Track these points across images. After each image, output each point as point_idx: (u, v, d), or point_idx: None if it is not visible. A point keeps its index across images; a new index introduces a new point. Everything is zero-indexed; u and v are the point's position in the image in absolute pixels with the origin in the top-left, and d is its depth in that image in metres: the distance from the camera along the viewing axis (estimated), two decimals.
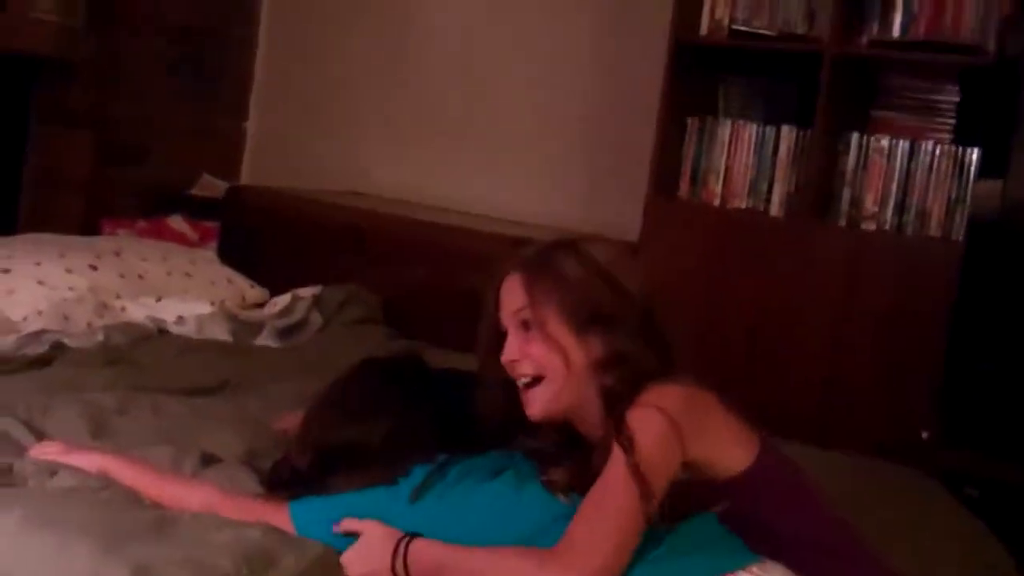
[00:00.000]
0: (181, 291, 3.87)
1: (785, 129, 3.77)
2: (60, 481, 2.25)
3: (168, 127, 5.13)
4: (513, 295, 2.14)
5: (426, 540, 2.00)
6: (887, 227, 3.58)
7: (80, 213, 4.78)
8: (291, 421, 2.68)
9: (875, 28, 3.63)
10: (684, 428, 1.98)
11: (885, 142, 3.61)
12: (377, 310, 4.06)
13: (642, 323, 2.10)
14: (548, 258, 2.15)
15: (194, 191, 5.13)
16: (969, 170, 3.46)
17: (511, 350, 2.12)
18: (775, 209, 3.77)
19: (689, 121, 3.93)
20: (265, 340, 3.69)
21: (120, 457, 2.35)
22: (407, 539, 2.00)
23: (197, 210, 4.91)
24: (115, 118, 4.92)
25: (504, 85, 4.77)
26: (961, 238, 3.41)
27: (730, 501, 2.03)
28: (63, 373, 3.02)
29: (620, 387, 2.04)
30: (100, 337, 3.35)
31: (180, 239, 4.63)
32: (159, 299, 3.74)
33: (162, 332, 3.52)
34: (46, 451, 2.36)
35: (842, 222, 3.65)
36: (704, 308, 3.74)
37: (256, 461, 2.50)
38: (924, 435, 3.19)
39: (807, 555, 2.03)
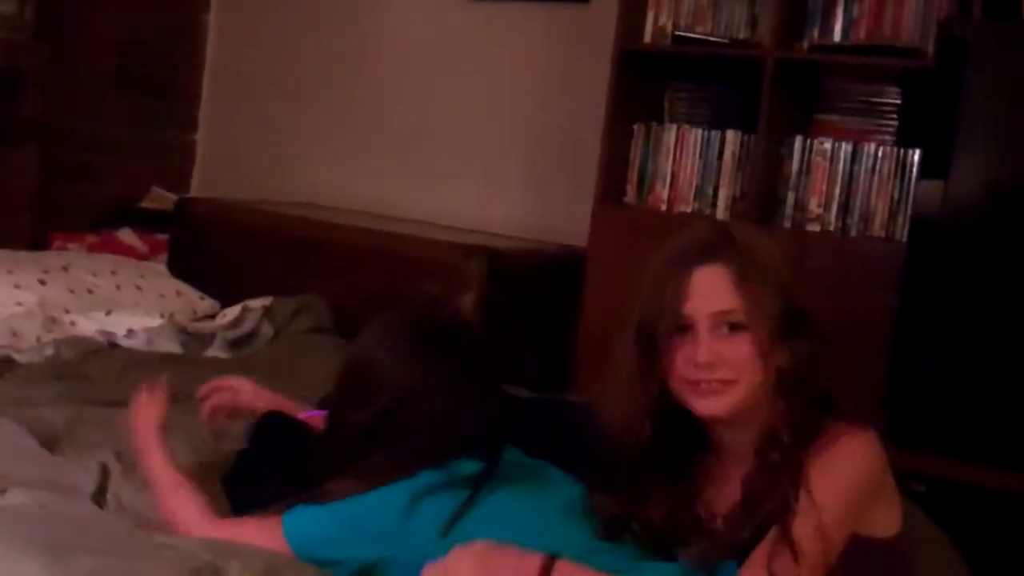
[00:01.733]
0: (131, 304, 3.87)
1: (730, 134, 3.81)
2: (10, 499, 2.24)
3: (117, 141, 5.13)
4: (717, 293, 1.94)
5: (572, 564, 1.83)
6: (831, 228, 3.62)
7: (29, 228, 4.76)
8: (224, 396, 2.62)
9: (816, 33, 3.68)
10: (875, 486, 1.91)
11: (828, 145, 3.65)
12: (328, 320, 4.06)
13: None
14: (752, 249, 1.98)
15: (144, 204, 5.12)
16: (911, 171, 3.51)
17: (708, 352, 1.92)
18: (721, 213, 3.81)
19: (635, 127, 3.96)
20: (216, 351, 3.69)
21: (157, 453, 2.28)
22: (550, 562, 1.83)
23: (147, 223, 4.90)
24: (63, 133, 4.91)
25: (452, 96, 4.78)
26: (904, 238, 3.45)
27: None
28: (12, 388, 3.01)
29: (805, 411, 1.92)
30: (49, 351, 3.34)
31: (130, 252, 4.62)
32: (109, 312, 3.74)
33: (112, 345, 3.52)
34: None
35: (787, 224, 3.69)
36: None
37: (208, 471, 2.50)
38: None
39: None
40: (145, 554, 1.98)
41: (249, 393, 2.59)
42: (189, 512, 2.16)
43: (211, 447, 2.67)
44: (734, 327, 1.93)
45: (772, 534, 1.86)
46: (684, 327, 1.95)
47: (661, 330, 1.95)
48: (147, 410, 2.35)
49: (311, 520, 2.06)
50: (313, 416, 2.49)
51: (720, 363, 1.93)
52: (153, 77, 5.27)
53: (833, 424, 1.92)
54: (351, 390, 2.16)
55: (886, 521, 1.96)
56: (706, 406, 1.96)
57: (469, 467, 2.03)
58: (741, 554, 1.90)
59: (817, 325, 1.98)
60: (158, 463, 2.26)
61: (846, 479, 1.88)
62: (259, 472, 2.44)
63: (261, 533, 2.07)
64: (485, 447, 2.07)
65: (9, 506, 2.21)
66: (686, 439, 2.04)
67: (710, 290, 1.94)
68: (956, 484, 3.10)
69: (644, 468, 2.02)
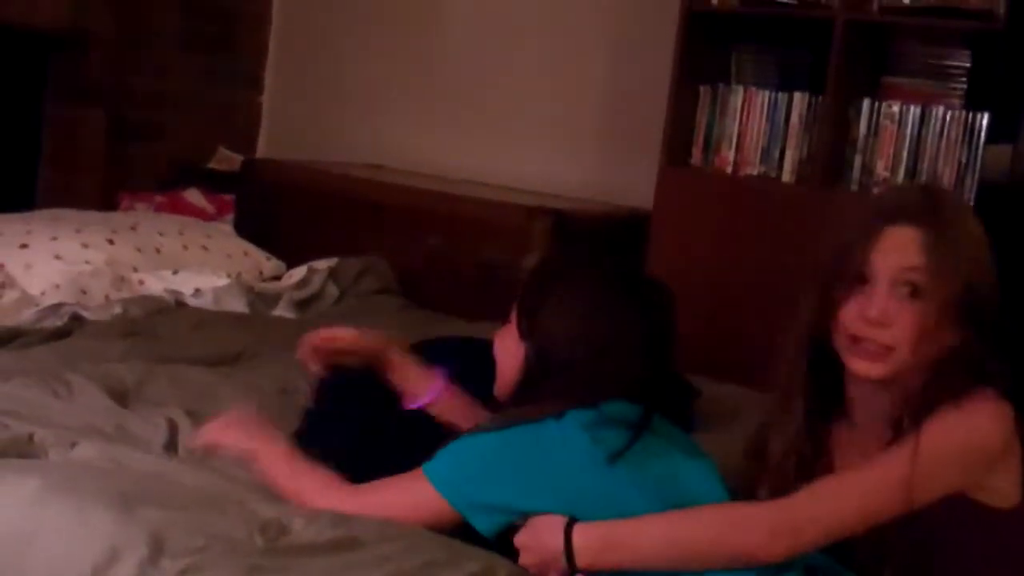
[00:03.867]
0: (198, 264, 3.90)
1: (797, 96, 3.77)
2: (80, 452, 2.28)
3: (184, 101, 5.16)
4: (906, 251, 1.93)
5: (587, 523, 1.89)
6: None
7: (97, 189, 4.81)
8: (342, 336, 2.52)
9: None
10: (995, 459, 1.90)
11: (896, 108, 3.61)
12: (393, 281, 4.09)
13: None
14: (953, 222, 1.96)
15: (211, 165, 5.16)
16: (979, 135, 3.46)
17: (882, 310, 1.92)
18: (787, 175, 3.78)
19: (702, 89, 3.94)
20: (282, 312, 3.72)
21: (271, 444, 2.17)
22: (569, 523, 1.89)
23: (214, 184, 4.94)
24: (130, 93, 4.94)
25: (520, 57, 4.78)
26: (971, 203, 3.41)
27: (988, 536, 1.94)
28: (81, 345, 3.04)
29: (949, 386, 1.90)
30: (118, 310, 3.37)
31: (197, 213, 4.66)
32: (176, 272, 3.78)
33: (179, 304, 3.56)
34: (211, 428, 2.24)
35: (854, 188, 3.66)
36: (716, 275, 3.76)
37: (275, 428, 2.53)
38: None
39: None
40: (214, 508, 2.00)
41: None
42: (316, 487, 2.08)
43: (279, 404, 2.69)
44: (913, 292, 1.92)
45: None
46: (863, 280, 1.95)
47: (841, 277, 1.97)
48: (238, 428, 2.23)
49: (460, 457, 1.99)
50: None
51: (889, 324, 1.93)
52: (218, 36, 5.29)
53: (969, 394, 1.90)
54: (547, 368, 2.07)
55: (1003, 492, 1.94)
56: (861, 367, 1.96)
57: (621, 409, 2.01)
58: None
59: (996, 318, 1.97)
60: (270, 452, 2.16)
61: (957, 434, 1.87)
62: (330, 429, 2.47)
63: (403, 493, 2.00)
64: (648, 392, 2.05)
65: (80, 459, 2.25)
66: (827, 395, 2.06)
67: (899, 247, 1.94)
68: None
69: (785, 406, 2.06)
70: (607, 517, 1.90)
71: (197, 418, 2.52)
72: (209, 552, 1.85)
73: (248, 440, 2.17)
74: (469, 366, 2.44)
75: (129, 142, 4.97)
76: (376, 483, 2.07)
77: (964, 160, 3.49)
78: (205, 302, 3.62)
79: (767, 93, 3.83)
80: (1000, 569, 1.96)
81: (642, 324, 2.06)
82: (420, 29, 5.03)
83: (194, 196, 4.80)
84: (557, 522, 1.90)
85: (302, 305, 3.78)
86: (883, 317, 1.92)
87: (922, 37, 3.67)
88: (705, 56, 3.92)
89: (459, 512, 1.97)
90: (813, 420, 2.06)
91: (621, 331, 2.05)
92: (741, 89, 3.87)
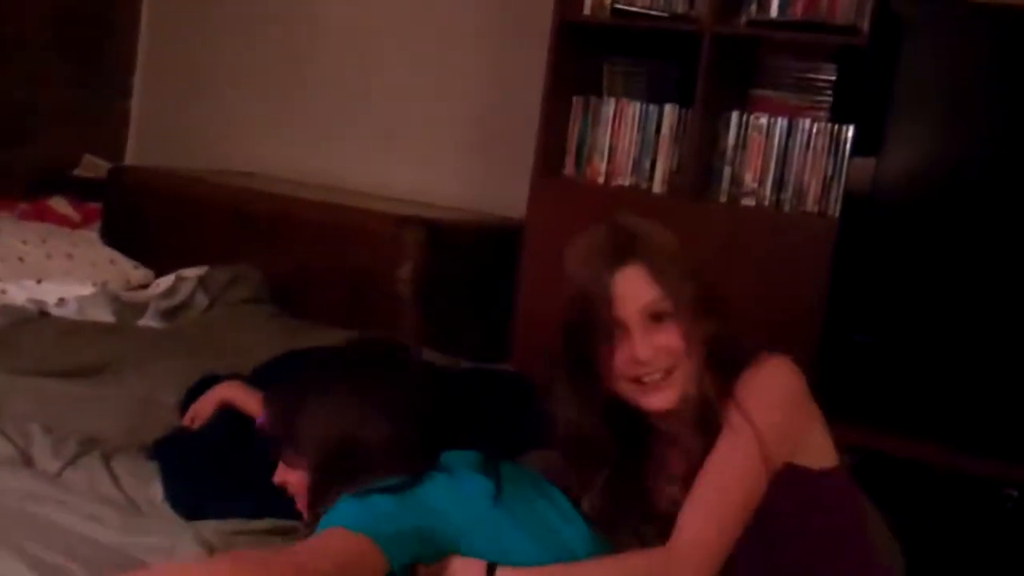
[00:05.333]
0: (62, 273, 3.82)
1: (667, 108, 3.81)
2: None
3: (51, 107, 5.06)
4: (639, 290, 1.98)
5: (508, 567, 1.86)
6: (766, 204, 3.64)
7: None
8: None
9: (753, 8, 3.69)
10: (802, 400, 2.00)
11: (764, 120, 3.66)
12: (263, 290, 4.04)
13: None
14: (656, 243, 2.02)
15: (77, 172, 5.07)
16: (844, 147, 3.53)
17: (646, 347, 1.97)
18: (658, 186, 3.82)
19: (574, 100, 3.96)
20: (149, 321, 3.66)
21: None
22: (490, 568, 1.85)
23: (81, 191, 4.85)
24: None
25: (391, 65, 4.76)
26: (837, 214, 3.47)
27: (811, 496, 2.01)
28: None
29: (730, 360, 2.00)
30: None
31: (62, 221, 4.57)
32: (40, 281, 3.70)
33: (43, 314, 3.49)
34: None
35: (722, 199, 3.70)
36: None
37: (138, 439, 2.50)
38: None
39: None
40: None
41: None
42: None
43: (139, 415, 2.66)
44: (659, 318, 1.98)
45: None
46: (615, 331, 1.98)
47: (592, 340, 1.98)
48: None
49: (360, 507, 1.84)
50: None
51: (658, 353, 1.97)
52: (88, 42, 5.19)
53: (754, 359, 2.00)
54: (338, 466, 1.98)
55: (820, 451, 2.02)
56: (655, 401, 2.00)
57: (460, 456, 2.01)
58: None
59: (727, 300, 2.07)
60: None
61: (771, 384, 1.97)
62: (191, 445, 2.45)
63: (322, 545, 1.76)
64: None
65: None
66: (637, 432, 2.08)
67: (632, 289, 1.98)
68: (888, 457, 3.14)
69: (594, 462, 2.06)
70: (493, 554, 1.87)
71: (60, 433, 2.46)
72: None
73: None
74: None
75: None
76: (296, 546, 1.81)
77: (830, 172, 3.55)
78: (69, 312, 3.55)
79: (638, 105, 3.86)
80: (816, 523, 2.03)
81: (408, 396, 2.05)
82: (292, 38, 4.99)
83: (60, 204, 4.71)
84: (476, 566, 1.87)
85: (169, 314, 3.72)
86: (651, 351, 1.97)
87: (789, 51, 3.73)
88: (578, 67, 3.94)
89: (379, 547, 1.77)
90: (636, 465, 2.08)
91: (393, 411, 2.01)
92: (613, 101, 3.90)
